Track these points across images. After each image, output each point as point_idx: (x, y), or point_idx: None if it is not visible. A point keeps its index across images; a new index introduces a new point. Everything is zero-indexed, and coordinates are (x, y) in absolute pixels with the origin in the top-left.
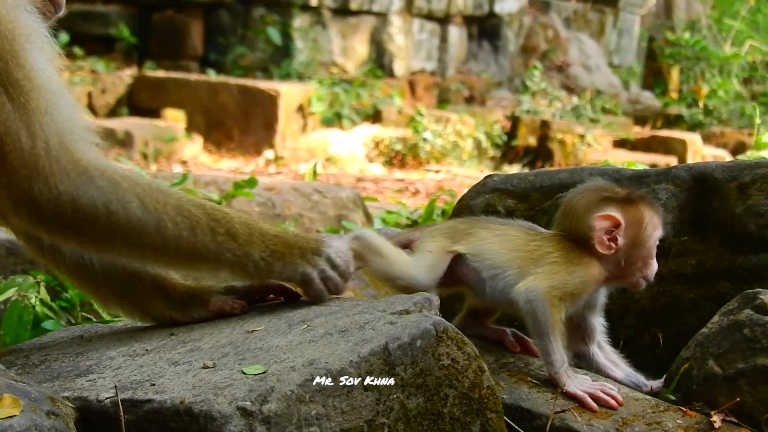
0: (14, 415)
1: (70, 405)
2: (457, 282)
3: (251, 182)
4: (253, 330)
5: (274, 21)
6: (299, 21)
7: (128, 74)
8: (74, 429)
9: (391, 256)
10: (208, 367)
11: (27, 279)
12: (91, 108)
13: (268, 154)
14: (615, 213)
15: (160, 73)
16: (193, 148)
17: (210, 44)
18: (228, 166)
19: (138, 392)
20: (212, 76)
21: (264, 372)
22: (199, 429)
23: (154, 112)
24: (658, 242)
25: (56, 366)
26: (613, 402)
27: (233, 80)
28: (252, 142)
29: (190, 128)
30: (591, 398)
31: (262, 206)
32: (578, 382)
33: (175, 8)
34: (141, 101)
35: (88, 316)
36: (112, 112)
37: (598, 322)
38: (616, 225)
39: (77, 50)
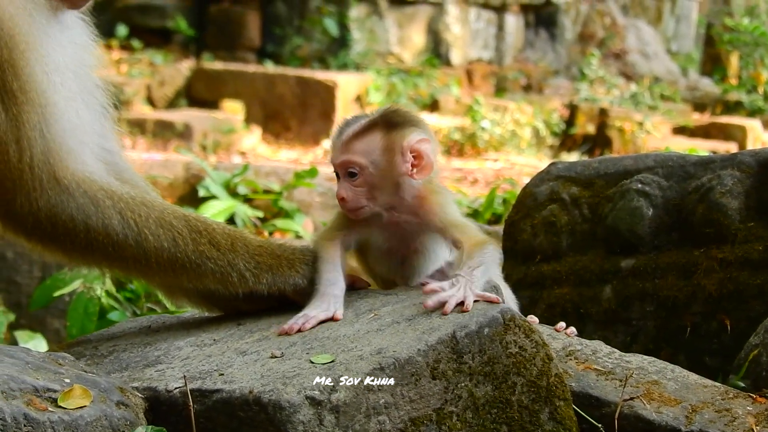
0: (85, 406)
1: (140, 395)
2: None
3: (312, 172)
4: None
5: (330, 12)
6: (356, 11)
7: (186, 66)
8: (143, 419)
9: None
10: (276, 357)
11: (92, 271)
12: (150, 100)
13: (326, 144)
14: None
15: (218, 65)
16: (252, 139)
17: (267, 35)
18: (286, 156)
19: (207, 382)
20: (269, 67)
21: (332, 361)
22: (267, 418)
23: (212, 104)
24: (335, 171)
25: (125, 356)
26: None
27: (290, 71)
28: (310, 132)
29: (249, 119)
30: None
31: (323, 196)
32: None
33: (231, 0)
34: (199, 93)
35: (153, 307)
36: (171, 104)
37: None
38: None
39: (135, 43)
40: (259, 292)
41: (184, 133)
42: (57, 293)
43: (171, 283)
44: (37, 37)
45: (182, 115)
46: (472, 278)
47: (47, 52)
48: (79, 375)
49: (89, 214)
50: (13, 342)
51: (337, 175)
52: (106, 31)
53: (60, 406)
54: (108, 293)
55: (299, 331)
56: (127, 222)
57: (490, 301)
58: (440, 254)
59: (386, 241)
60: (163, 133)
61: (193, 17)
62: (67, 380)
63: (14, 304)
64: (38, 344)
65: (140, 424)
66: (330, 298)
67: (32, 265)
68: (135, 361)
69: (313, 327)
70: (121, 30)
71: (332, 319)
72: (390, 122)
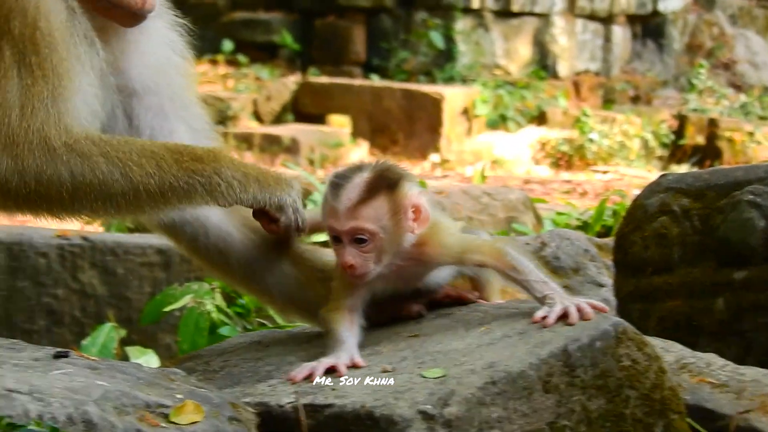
0: (197, 421)
1: (251, 410)
2: None
3: (420, 185)
4: (429, 334)
5: (436, 24)
6: (461, 24)
7: (292, 81)
8: None
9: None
10: (388, 371)
11: (202, 286)
12: (257, 115)
13: (434, 157)
14: None
15: (324, 79)
16: (359, 153)
17: (372, 49)
18: None
19: (318, 397)
20: (376, 80)
21: (443, 375)
22: None
23: (318, 118)
24: (333, 235)
25: (236, 371)
26: None
27: (397, 85)
28: (417, 146)
29: (355, 133)
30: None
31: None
32: None
33: (337, 14)
34: (305, 107)
35: (263, 321)
36: (278, 119)
37: None
38: None
39: (241, 58)
40: (245, 203)
41: (291, 148)
42: (167, 308)
43: (163, 210)
44: (67, 25)
45: (289, 130)
46: (555, 289)
47: (75, 41)
48: (191, 390)
49: (75, 165)
50: (125, 358)
51: (336, 239)
52: (212, 46)
53: (172, 422)
54: (218, 308)
55: (306, 379)
56: (111, 160)
57: (596, 308)
58: (442, 272)
59: (391, 285)
60: (270, 147)
61: (299, 32)
62: (179, 396)
63: (125, 320)
64: (149, 360)
65: None
66: (344, 346)
67: (142, 281)
68: (246, 376)
69: (320, 375)
70: (227, 45)
71: (354, 365)
72: (390, 182)
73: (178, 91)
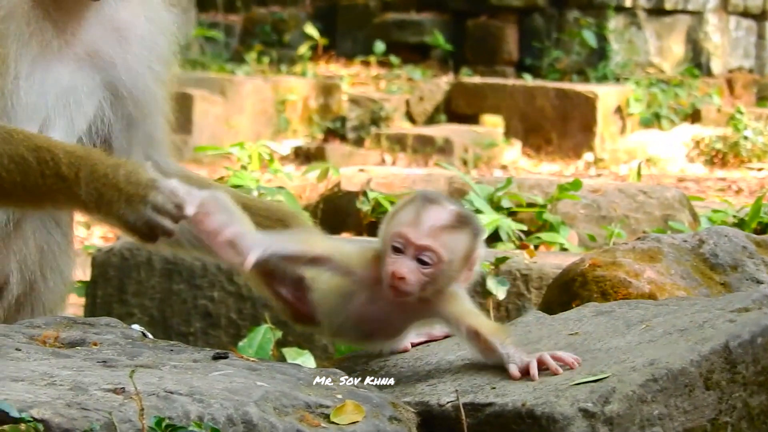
0: (357, 421)
1: (412, 410)
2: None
3: (576, 185)
4: (590, 332)
5: (588, 23)
6: (614, 22)
7: (445, 81)
8: None
9: (238, 217)
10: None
11: None
12: (410, 116)
13: (588, 156)
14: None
15: (477, 79)
16: (512, 153)
17: (525, 49)
18: (547, 170)
19: (479, 396)
20: (528, 80)
21: (604, 373)
22: (540, 431)
23: (471, 118)
24: (398, 244)
25: (395, 371)
26: None
27: (550, 84)
28: (570, 145)
29: (508, 133)
30: None
31: (587, 208)
32: None
33: (488, 14)
34: (458, 108)
35: None
36: (430, 120)
37: None
38: None
39: (394, 59)
40: (98, 220)
41: (444, 148)
42: None
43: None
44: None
45: (442, 130)
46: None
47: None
48: (351, 390)
49: None
50: (281, 359)
51: (397, 249)
52: (364, 48)
53: (333, 422)
54: None
55: None
56: None
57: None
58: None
59: (371, 308)
60: (424, 148)
61: (451, 32)
62: (339, 396)
63: (281, 322)
64: (306, 361)
65: None
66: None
67: None
68: (406, 375)
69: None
70: (379, 46)
71: None
72: (477, 227)
73: (146, 96)
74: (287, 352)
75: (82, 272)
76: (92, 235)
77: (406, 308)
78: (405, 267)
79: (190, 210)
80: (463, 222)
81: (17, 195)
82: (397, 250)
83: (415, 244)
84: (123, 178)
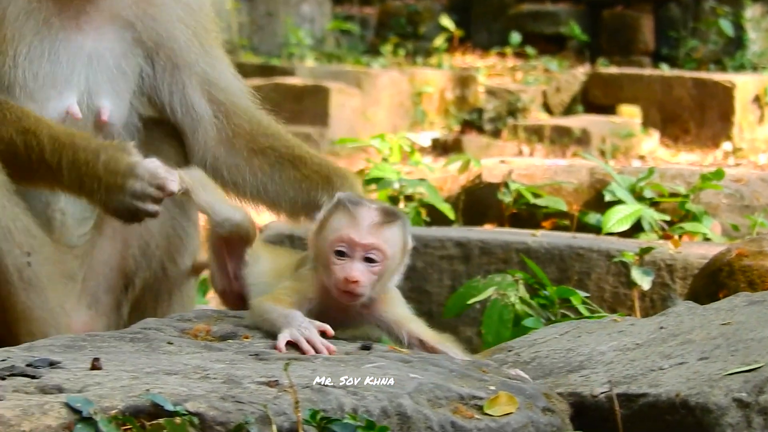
0: (511, 413)
1: (564, 401)
2: None
3: (718, 174)
4: (742, 322)
5: (725, 12)
6: (750, 11)
7: (581, 72)
8: (569, 425)
9: (215, 193)
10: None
11: (505, 278)
12: (547, 107)
13: (726, 146)
14: (318, 214)
15: (613, 70)
16: (650, 143)
17: (661, 38)
18: (685, 159)
19: (632, 386)
20: (665, 70)
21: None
22: (695, 422)
23: (608, 109)
24: (344, 248)
25: (547, 362)
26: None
27: (687, 74)
28: (708, 134)
29: (646, 123)
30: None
31: (730, 198)
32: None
33: (624, 4)
34: (595, 98)
35: (567, 312)
36: (567, 110)
37: None
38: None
39: (529, 50)
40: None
41: (582, 139)
42: (470, 301)
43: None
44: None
45: (579, 121)
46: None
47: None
48: (504, 382)
49: None
50: None
51: (341, 254)
52: (500, 39)
53: (486, 414)
54: (522, 300)
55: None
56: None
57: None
58: None
59: (328, 319)
60: (561, 139)
61: (586, 22)
62: (492, 387)
63: (425, 314)
64: None
65: (566, 430)
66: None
67: (442, 274)
68: (558, 366)
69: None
70: (515, 38)
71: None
72: (403, 218)
73: (189, 43)
74: None
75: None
76: None
77: (349, 315)
78: (356, 270)
79: (173, 187)
80: (394, 215)
81: (15, 175)
82: (341, 255)
83: (360, 244)
84: (102, 166)
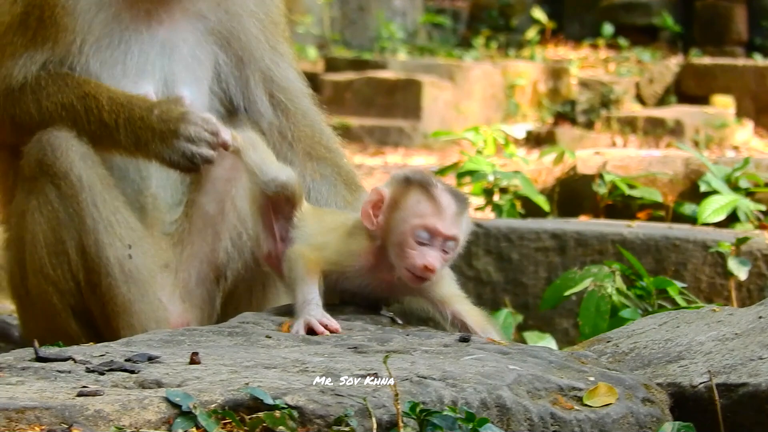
0: (610, 404)
1: (664, 391)
2: None
3: None
4: None
5: None
6: None
7: (674, 62)
8: (669, 415)
9: (265, 154)
10: None
11: (602, 269)
12: (640, 98)
13: None
14: (384, 189)
15: (706, 60)
16: (744, 134)
17: (754, 28)
18: None
19: (731, 376)
20: (758, 60)
21: None
22: None
23: (701, 99)
24: (426, 236)
25: (646, 353)
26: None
27: None
28: None
29: (740, 113)
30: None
31: None
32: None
33: None
34: (688, 89)
35: (664, 303)
36: (660, 101)
37: None
38: (381, 200)
39: (622, 41)
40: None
41: (675, 130)
42: (567, 293)
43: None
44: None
45: (672, 112)
46: None
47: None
48: (603, 373)
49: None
50: (522, 343)
51: (419, 238)
52: (592, 30)
53: (585, 405)
54: (619, 291)
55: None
56: (40, 105)
57: None
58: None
59: (362, 287)
60: (654, 130)
61: (679, 13)
62: (591, 378)
63: (521, 306)
64: (548, 344)
65: (666, 421)
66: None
67: (537, 266)
68: (657, 357)
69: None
70: (607, 29)
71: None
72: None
73: (258, 37)
74: (528, 336)
75: None
76: None
77: (396, 286)
78: (436, 259)
79: (226, 135)
80: (466, 201)
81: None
82: (420, 243)
83: (445, 234)
84: (156, 117)
